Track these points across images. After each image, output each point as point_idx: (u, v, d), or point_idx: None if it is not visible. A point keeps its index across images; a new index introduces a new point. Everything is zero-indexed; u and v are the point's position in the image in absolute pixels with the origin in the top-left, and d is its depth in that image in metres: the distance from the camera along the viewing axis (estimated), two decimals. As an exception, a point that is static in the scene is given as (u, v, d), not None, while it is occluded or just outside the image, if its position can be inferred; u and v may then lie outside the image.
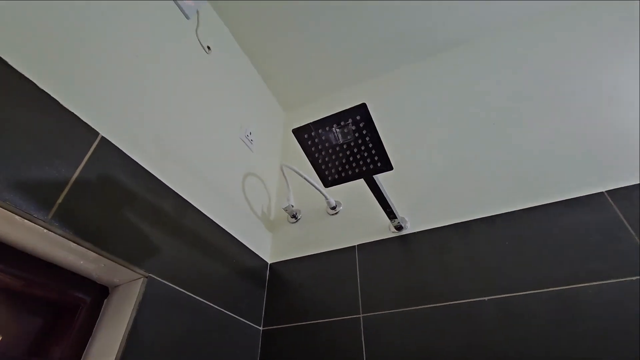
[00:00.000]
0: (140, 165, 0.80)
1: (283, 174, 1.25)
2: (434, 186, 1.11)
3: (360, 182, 0.98)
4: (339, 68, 1.55)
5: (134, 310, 0.68)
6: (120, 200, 0.73)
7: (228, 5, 1.31)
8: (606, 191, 0.87)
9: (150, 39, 0.96)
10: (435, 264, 0.95)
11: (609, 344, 0.69)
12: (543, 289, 0.80)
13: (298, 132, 0.71)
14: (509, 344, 0.77)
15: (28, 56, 0.63)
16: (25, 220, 0.56)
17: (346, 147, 0.71)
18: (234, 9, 1.32)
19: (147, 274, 0.73)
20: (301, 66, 1.54)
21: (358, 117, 0.66)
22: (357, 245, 1.08)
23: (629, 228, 0.80)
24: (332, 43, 1.45)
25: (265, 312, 1.08)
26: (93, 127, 0.71)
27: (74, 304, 0.71)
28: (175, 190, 0.88)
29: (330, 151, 0.73)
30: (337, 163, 0.74)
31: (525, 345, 0.75)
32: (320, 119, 0.68)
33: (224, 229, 1.01)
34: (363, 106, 0.64)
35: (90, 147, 0.69)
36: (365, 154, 0.71)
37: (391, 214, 0.99)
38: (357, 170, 0.75)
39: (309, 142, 0.73)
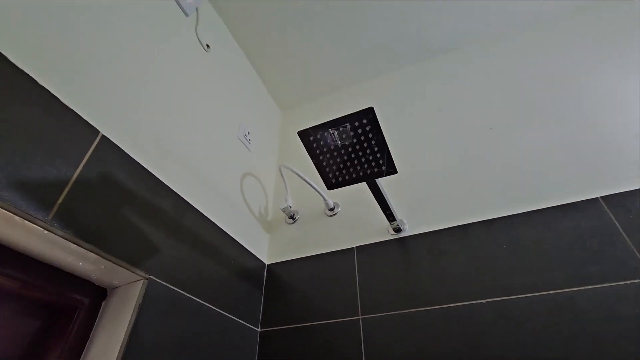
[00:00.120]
0: (140, 165, 0.78)
1: (281, 174, 1.25)
2: (432, 189, 1.12)
3: (359, 184, 0.98)
4: (336, 69, 1.55)
5: (134, 313, 0.67)
6: (120, 200, 0.71)
7: (227, 3, 1.30)
8: (601, 197, 0.89)
9: (149, 36, 0.94)
10: (433, 266, 0.96)
11: (604, 346, 0.71)
12: (539, 292, 0.82)
13: (303, 135, 0.71)
14: (505, 346, 0.78)
15: (29, 52, 0.61)
16: (25, 221, 0.54)
17: (351, 150, 0.71)
18: (232, 7, 1.31)
19: (147, 276, 0.72)
20: (298, 66, 1.53)
21: (365, 121, 0.66)
22: (356, 247, 1.09)
23: (623, 233, 0.82)
24: (330, 44, 1.45)
25: (262, 313, 1.08)
26: (94, 125, 0.69)
27: (71, 305, 0.69)
28: (175, 190, 0.87)
29: (335, 154, 0.73)
30: (341, 166, 0.74)
31: (522, 348, 0.76)
32: (328, 121, 0.68)
33: (222, 230, 1.01)
34: (370, 110, 0.65)
35: (90, 146, 0.67)
36: (370, 157, 0.71)
37: (390, 216, 1.00)
38: (361, 174, 0.75)
39: (314, 145, 0.72)
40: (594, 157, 0.97)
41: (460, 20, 1.37)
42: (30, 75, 0.60)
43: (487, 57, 1.38)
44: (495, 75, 1.31)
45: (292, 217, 1.27)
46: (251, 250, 1.12)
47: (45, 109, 0.61)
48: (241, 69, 1.43)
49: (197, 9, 1.16)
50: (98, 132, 0.70)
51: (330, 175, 0.77)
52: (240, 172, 1.22)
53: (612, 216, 0.85)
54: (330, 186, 0.79)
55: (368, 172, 0.74)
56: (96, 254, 0.64)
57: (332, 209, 1.22)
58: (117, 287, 0.74)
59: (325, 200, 1.20)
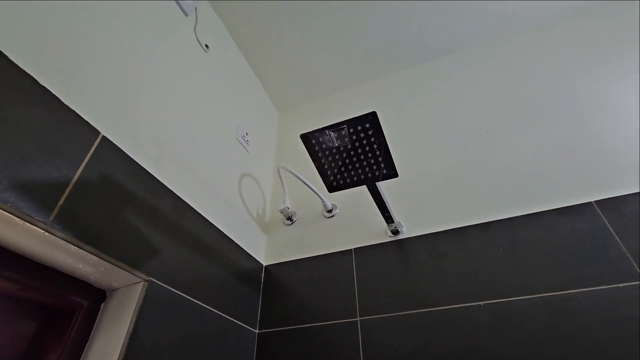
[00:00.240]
0: (140, 166, 0.78)
1: (279, 175, 1.24)
2: (430, 192, 1.13)
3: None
4: (334, 70, 1.55)
5: (134, 315, 0.67)
6: (120, 202, 0.71)
7: (226, 3, 1.29)
8: (594, 201, 0.91)
9: (149, 36, 0.93)
10: (431, 268, 0.97)
11: (600, 347, 0.72)
12: (536, 294, 0.83)
13: (306, 138, 0.71)
14: (502, 348, 0.79)
15: (29, 52, 0.60)
16: (26, 223, 0.53)
17: (353, 154, 0.72)
18: (231, 7, 1.31)
19: (147, 278, 0.72)
20: (296, 67, 1.53)
21: (367, 125, 0.67)
22: (354, 248, 1.09)
23: (616, 237, 0.84)
24: (329, 45, 1.45)
25: (260, 315, 1.08)
26: (94, 125, 0.69)
27: (70, 308, 0.68)
28: (174, 191, 0.86)
29: (337, 157, 0.73)
30: (342, 169, 0.75)
31: (519, 349, 0.78)
32: (331, 125, 0.68)
33: (220, 231, 1.00)
34: (373, 114, 0.65)
35: (91, 147, 0.67)
36: (372, 161, 0.72)
37: (389, 219, 1.00)
38: (362, 177, 0.75)
39: (316, 148, 0.73)
40: (589, 161, 0.99)
41: (459, 22, 1.38)
42: (31, 74, 0.59)
43: (484, 60, 1.40)
44: (493, 78, 1.32)
45: (289, 219, 1.27)
46: (249, 252, 1.12)
47: (45, 108, 0.60)
48: (239, 70, 1.43)
49: (196, 9, 1.15)
50: (98, 132, 0.69)
51: (332, 178, 0.78)
52: (239, 173, 1.21)
53: (605, 220, 0.87)
54: (331, 189, 0.79)
55: (369, 175, 0.75)
56: (96, 255, 0.63)
57: (330, 211, 1.22)
58: (116, 289, 0.73)
59: (323, 201, 1.20)
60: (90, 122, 0.68)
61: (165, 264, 0.77)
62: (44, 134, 0.59)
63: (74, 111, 0.65)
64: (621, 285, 0.78)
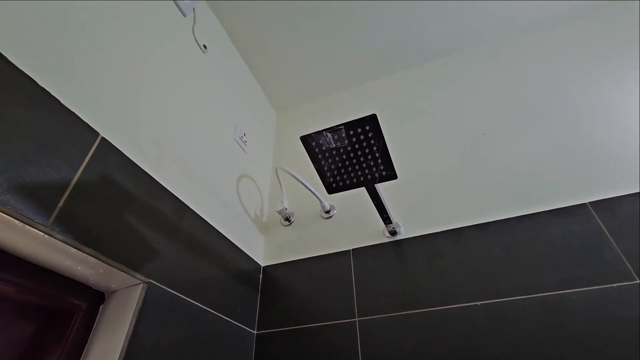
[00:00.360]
0: (139, 167, 0.78)
1: (277, 176, 1.25)
2: (427, 193, 1.14)
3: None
4: (331, 72, 1.56)
5: (134, 317, 0.67)
6: (119, 203, 0.70)
7: (223, 4, 1.29)
8: (589, 202, 0.92)
9: (148, 36, 0.93)
10: (428, 269, 0.98)
11: (594, 346, 0.74)
12: (531, 294, 0.84)
13: (305, 140, 0.72)
14: (499, 347, 0.80)
15: (29, 53, 0.60)
16: (26, 226, 0.53)
17: (353, 155, 0.72)
18: (229, 8, 1.30)
19: (147, 280, 0.71)
20: (294, 68, 1.54)
21: (367, 127, 0.67)
22: (352, 249, 1.10)
23: (610, 238, 0.86)
24: (326, 46, 1.46)
25: (259, 315, 1.08)
26: (93, 127, 0.68)
27: (68, 310, 0.68)
28: (173, 193, 0.86)
29: (337, 159, 0.74)
30: (342, 171, 0.75)
31: (516, 349, 0.79)
32: (331, 127, 0.69)
33: (219, 232, 1.00)
34: (374, 117, 0.66)
35: (90, 148, 0.66)
36: (372, 163, 0.72)
37: (387, 219, 1.01)
38: (362, 179, 0.76)
39: (316, 150, 0.73)
40: (584, 163, 1.00)
41: (457, 24, 1.39)
42: (30, 76, 0.59)
43: (482, 62, 1.41)
44: (490, 79, 1.34)
45: (287, 219, 1.27)
46: (247, 253, 1.12)
47: (45, 110, 0.60)
48: (237, 70, 1.43)
49: (194, 10, 1.15)
50: (98, 134, 0.69)
51: (331, 179, 0.78)
52: (237, 174, 1.21)
53: (599, 221, 0.89)
54: (330, 191, 0.80)
55: (369, 177, 0.75)
56: (96, 257, 0.63)
57: (328, 212, 1.23)
58: (115, 291, 0.73)
59: (321, 202, 1.20)
60: (89, 124, 0.68)
61: (164, 266, 0.77)
62: (43, 135, 0.59)
63: (74, 112, 0.65)
64: (615, 285, 0.79)
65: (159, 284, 0.74)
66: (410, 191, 1.17)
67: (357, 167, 0.75)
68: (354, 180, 0.77)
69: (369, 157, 0.72)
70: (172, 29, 1.04)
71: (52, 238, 0.57)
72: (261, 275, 1.17)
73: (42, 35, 0.64)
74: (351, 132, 0.69)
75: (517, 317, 0.82)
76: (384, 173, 0.74)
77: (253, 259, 1.15)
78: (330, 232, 1.18)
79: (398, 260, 1.03)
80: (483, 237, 0.97)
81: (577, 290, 0.81)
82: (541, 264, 0.87)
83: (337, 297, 1.02)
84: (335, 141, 0.71)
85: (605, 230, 0.87)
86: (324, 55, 1.49)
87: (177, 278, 0.80)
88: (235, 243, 1.06)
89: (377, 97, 1.54)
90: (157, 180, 0.82)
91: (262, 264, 1.20)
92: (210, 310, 0.87)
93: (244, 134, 1.31)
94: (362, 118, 0.66)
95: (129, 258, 0.69)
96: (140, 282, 0.71)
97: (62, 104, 0.63)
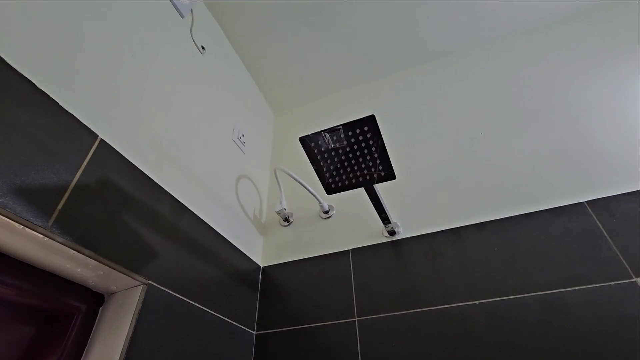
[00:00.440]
0: (138, 168, 0.78)
1: (276, 177, 1.25)
2: (425, 193, 1.15)
3: (355, 188, 1.00)
4: (329, 72, 1.56)
5: (133, 318, 0.67)
6: (118, 205, 0.70)
7: (221, 4, 1.29)
8: (586, 201, 0.93)
9: (146, 38, 0.93)
10: (427, 268, 0.98)
11: (592, 344, 0.74)
12: (529, 293, 0.85)
13: (304, 141, 0.72)
14: (497, 346, 0.81)
15: (27, 55, 0.60)
16: (26, 228, 0.53)
17: (352, 156, 0.73)
18: (227, 9, 1.30)
19: (146, 281, 0.71)
20: (292, 68, 1.54)
21: (366, 128, 0.67)
22: (351, 249, 1.10)
23: (607, 236, 0.86)
24: (324, 47, 1.46)
25: (258, 316, 1.08)
26: (92, 129, 0.68)
27: (68, 312, 0.68)
28: (172, 194, 0.86)
29: (336, 159, 0.74)
30: (341, 171, 0.75)
31: (514, 347, 0.79)
32: (330, 128, 0.69)
33: (218, 233, 1.00)
34: (372, 118, 0.66)
35: (89, 150, 0.66)
36: (370, 163, 0.73)
37: (385, 219, 1.01)
38: (360, 179, 0.76)
39: (315, 150, 0.73)
40: (580, 162, 1.01)
41: (455, 25, 1.40)
42: (29, 78, 0.59)
43: (479, 62, 1.42)
44: (488, 80, 1.34)
45: (286, 220, 1.27)
46: (246, 253, 1.12)
47: (44, 112, 0.60)
48: (235, 71, 1.43)
49: (192, 11, 1.15)
50: (97, 136, 0.69)
51: (330, 180, 0.78)
52: (235, 174, 1.21)
53: (596, 220, 0.89)
54: (329, 191, 0.80)
55: (367, 177, 0.76)
56: (95, 259, 0.63)
57: (326, 212, 1.23)
58: (114, 293, 0.73)
59: (320, 203, 1.21)
60: (88, 126, 0.68)
61: (164, 267, 0.77)
62: (42, 138, 0.59)
63: (72, 115, 0.65)
64: (612, 283, 0.80)
65: (158, 285, 0.74)
66: (409, 191, 1.17)
67: (355, 167, 0.75)
68: (353, 181, 0.78)
69: (368, 157, 0.72)
70: (170, 30, 1.04)
71: (51, 240, 0.57)
72: (260, 276, 1.17)
73: (40, 38, 0.64)
74: (350, 133, 0.69)
75: (516, 315, 0.83)
76: (382, 173, 0.74)
77: (252, 260, 1.15)
78: (329, 232, 1.19)
79: (397, 260, 1.03)
80: (481, 237, 0.98)
81: (574, 289, 0.82)
82: (539, 263, 0.88)
83: (336, 297, 1.02)
84: (334, 142, 0.71)
85: (602, 229, 0.88)
86: (321, 56, 1.49)
87: (176, 279, 0.80)
88: (234, 244, 1.07)
89: (375, 98, 1.54)
90: (156, 181, 0.82)
91: (261, 264, 1.20)
92: (209, 311, 0.87)
93: (243, 135, 1.32)
94: (361, 119, 0.66)
95: (129, 260, 0.69)
96: (139, 283, 0.71)
97: (60, 106, 0.63)
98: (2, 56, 0.56)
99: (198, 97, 1.10)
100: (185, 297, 0.81)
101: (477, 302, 0.88)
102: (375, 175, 0.75)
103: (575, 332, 0.77)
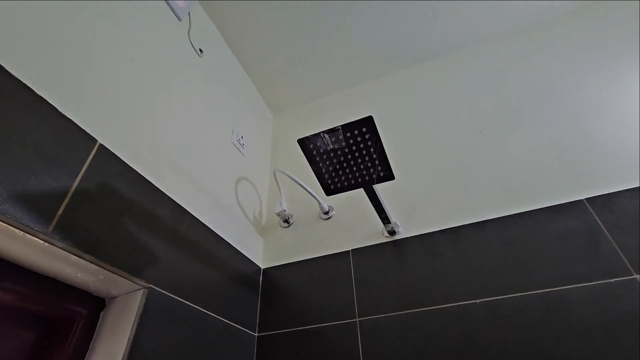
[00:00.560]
0: (138, 173, 0.78)
1: (275, 178, 1.25)
2: (424, 192, 1.15)
3: (355, 188, 1.00)
4: (327, 73, 1.56)
5: (135, 322, 0.67)
6: (118, 209, 0.71)
7: (218, 5, 1.29)
8: (585, 199, 0.93)
9: (143, 42, 0.93)
10: (427, 268, 0.98)
11: (593, 341, 0.74)
12: (531, 291, 0.85)
13: (303, 142, 0.72)
14: (499, 344, 0.81)
15: (25, 62, 0.60)
16: (26, 235, 0.53)
17: (350, 157, 0.73)
18: (224, 10, 1.31)
19: (147, 285, 0.72)
20: (290, 69, 1.54)
21: (364, 129, 0.68)
22: (352, 250, 1.10)
23: (607, 233, 0.86)
24: (322, 48, 1.46)
25: (259, 318, 1.08)
26: (91, 134, 0.69)
27: (69, 317, 0.68)
28: (172, 197, 0.86)
29: (334, 160, 0.74)
30: (340, 172, 0.75)
31: (516, 345, 0.79)
32: (328, 130, 0.69)
33: (218, 235, 1.00)
34: (370, 119, 0.66)
35: (89, 155, 0.67)
36: (369, 164, 0.73)
37: (385, 220, 1.02)
38: (359, 180, 0.76)
39: (314, 152, 0.73)
40: (579, 159, 1.01)
41: (452, 23, 1.40)
42: (28, 84, 0.59)
43: (477, 61, 1.42)
44: (485, 78, 1.35)
45: (286, 221, 1.27)
46: (247, 255, 1.12)
47: (43, 118, 0.60)
48: (233, 72, 1.43)
49: (189, 14, 1.15)
50: (96, 140, 0.69)
51: (329, 181, 0.79)
52: (235, 176, 1.21)
53: (596, 217, 0.89)
54: (329, 192, 0.80)
55: (367, 178, 0.76)
56: (96, 264, 0.63)
57: (326, 213, 1.23)
58: (115, 297, 0.73)
59: (320, 204, 1.21)
60: (87, 131, 0.68)
61: (164, 270, 0.77)
62: (41, 144, 0.59)
63: (71, 120, 0.65)
64: (612, 280, 0.80)
65: (159, 289, 0.74)
66: (409, 191, 1.18)
67: (354, 168, 0.75)
68: (352, 182, 0.78)
69: (366, 158, 0.72)
70: (167, 33, 1.04)
71: (52, 246, 0.57)
72: (261, 278, 1.17)
73: (38, 44, 0.64)
74: (348, 134, 0.69)
75: (517, 314, 0.83)
76: (381, 174, 0.74)
77: (253, 262, 1.15)
78: (329, 233, 1.19)
79: (397, 259, 1.03)
80: (481, 236, 0.98)
81: (575, 287, 0.82)
82: (539, 261, 0.88)
83: (337, 298, 1.02)
84: (333, 143, 0.71)
85: (602, 226, 0.88)
86: (319, 57, 1.49)
87: (177, 282, 0.80)
88: (234, 246, 1.07)
89: (374, 97, 1.55)
90: (156, 185, 0.82)
91: (262, 266, 1.20)
92: (210, 313, 0.88)
93: (242, 137, 1.32)
94: (359, 120, 0.67)
95: (129, 264, 0.69)
96: (140, 287, 0.71)
97: (59, 112, 0.63)
98: (1, 63, 0.56)
99: (196, 100, 1.11)
100: (187, 300, 0.81)
101: (478, 301, 0.88)
102: (374, 176, 0.75)
103: (577, 329, 0.77)
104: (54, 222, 0.57)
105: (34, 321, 0.66)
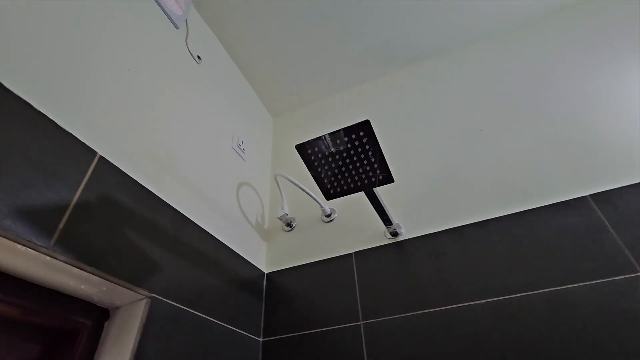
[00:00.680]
0: (138, 182, 0.78)
1: (277, 182, 1.25)
2: (426, 193, 1.14)
3: (356, 191, 1.00)
4: (326, 75, 1.56)
5: (138, 332, 0.67)
6: (120, 220, 0.71)
7: (215, 13, 1.30)
8: (589, 195, 0.92)
9: (140, 51, 0.94)
10: (431, 269, 0.98)
11: (599, 340, 0.74)
12: (535, 290, 0.84)
13: (301, 148, 0.72)
14: (505, 344, 0.80)
15: (24, 78, 0.61)
16: (28, 249, 0.54)
17: (349, 162, 0.73)
18: (220, 16, 1.31)
19: (150, 294, 0.72)
20: (288, 72, 1.54)
21: (362, 133, 0.67)
22: (354, 252, 1.10)
23: (611, 230, 0.85)
24: (320, 51, 1.46)
25: (264, 323, 1.08)
26: (91, 146, 0.69)
27: (73, 328, 0.69)
28: (173, 205, 0.87)
29: (333, 165, 0.74)
30: (339, 177, 0.75)
31: (521, 345, 0.79)
32: (325, 135, 0.69)
33: (220, 241, 1.01)
34: (367, 123, 0.66)
35: (89, 168, 0.67)
36: (368, 168, 0.73)
37: (387, 221, 1.01)
38: (359, 184, 0.76)
39: (312, 157, 0.73)
40: (582, 155, 1.00)
41: (449, 23, 1.39)
42: (26, 100, 0.60)
43: (475, 59, 1.41)
44: (484, 76, 1.34)
45: (289, 225, 1.27)
46: (250, 260, 1.13)
47: (42, 133, 0.61)
48: (232, 78, 1.43)
49: (186, 21, 1.16)
50: (95, 153, 0.70)
51: (329, 186, 0.79)
52: (236, 182, 1.22)
53: (600, 214, 0.88)
54: (328, 197, 0.80)
55: (366, 181, 0.76)
56: (98, 276, 0.64)
57: (328, 215, 1.23)
58: (119, 308, 0.74)
59: (322, 207, 1.21)
60: (86, 143, 0.68)
61: (167, 279, 0.78)
62: (41, 158, 0.59)
63: (71, 133, 0.66)
64: (618, 278, 0.79)
65: (162, 298, 0.75)
66: (410, 191, 1.17)
67: (353, 172, 0.75)
68: (352, 186, 0.78)
69: (365, 162, 0.72)
70: (165, 42, 1.05)
71: (54, 259, 0.57)
72: (265, 282, 1.17)
73: (36, 59, 0.64)
74: (346, 138, 0.69)
75: (522, 313, 0.82)
76: (380, 177, 0.74)
77: (256, 266, 1.15)
78: (331, 236, 1.19)
79: (400, 261, 1.03)
80: (484, 235, 0.97)
81: (580, 285, 0.81)
82: (544, 260, 0.87)
83: (341, 301, 1.02)
84: (335, 146, 0.71)
85: (607, 223, 0.87)
86: (316, 59, 1.49)
87: (180, 290, 0.81)
88: (237, 251, 1.07)
89: (373, 98, 1.54)
90: (157, 194, 0.82)
91: (266, 270, 1.20)
92: (215, 320, 0.88)
93: (242, 142, 1.32)
94: (356, 124, 0.67)
95: (132, 274, 0.70)
96: (143, 297, 0.71)
97: (59, 126, 0.64)
98: (1, 81, 0.57)
99: (196, 107, 1.11)
100: (190, 308, 0.82)
101: (482, 301, 0.88)
102: (373, 179, 0.75)
103: (582, 328, 0.76)
104: (56, 235, 0.58)
105: (39, 333, 0.66)
